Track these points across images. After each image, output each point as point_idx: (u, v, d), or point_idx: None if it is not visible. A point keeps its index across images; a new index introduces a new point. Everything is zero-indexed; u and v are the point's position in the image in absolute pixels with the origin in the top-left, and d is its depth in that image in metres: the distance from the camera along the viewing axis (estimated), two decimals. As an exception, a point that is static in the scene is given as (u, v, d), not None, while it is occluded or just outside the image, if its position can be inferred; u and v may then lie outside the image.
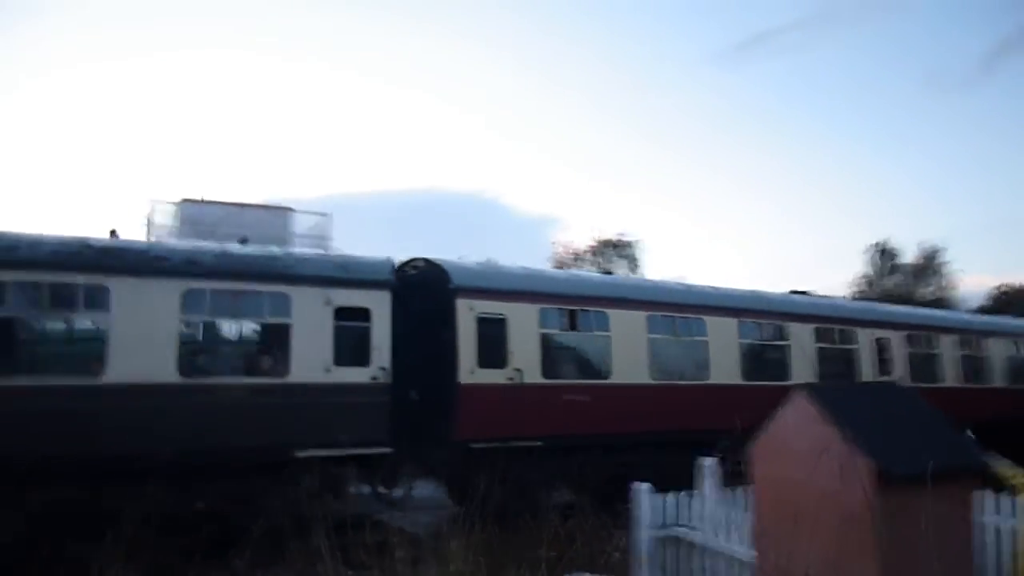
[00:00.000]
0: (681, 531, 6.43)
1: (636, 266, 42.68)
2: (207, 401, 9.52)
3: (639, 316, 12.93)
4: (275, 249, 11.30)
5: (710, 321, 13.78)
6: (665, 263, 73.22)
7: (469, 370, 11.17)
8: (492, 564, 6.32)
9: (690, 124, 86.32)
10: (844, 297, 30.51)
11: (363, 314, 10.68)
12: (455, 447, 10.92)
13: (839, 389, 7.65)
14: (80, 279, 9.15)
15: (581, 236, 47.96)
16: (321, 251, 12.14)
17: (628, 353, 12.61)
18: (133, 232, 18.20)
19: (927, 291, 44.57)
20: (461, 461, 10.76)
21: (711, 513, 6.22)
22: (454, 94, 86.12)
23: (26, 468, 8.12)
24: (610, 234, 43.57)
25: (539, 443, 11.26)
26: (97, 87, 78.89)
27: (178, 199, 18.61)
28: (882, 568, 4.11)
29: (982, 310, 38.01)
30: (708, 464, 6.63)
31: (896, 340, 16.65)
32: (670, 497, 6.62)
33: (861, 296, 41.77)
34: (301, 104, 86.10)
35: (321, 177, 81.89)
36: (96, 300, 9.23)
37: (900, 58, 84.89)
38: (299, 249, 11.69)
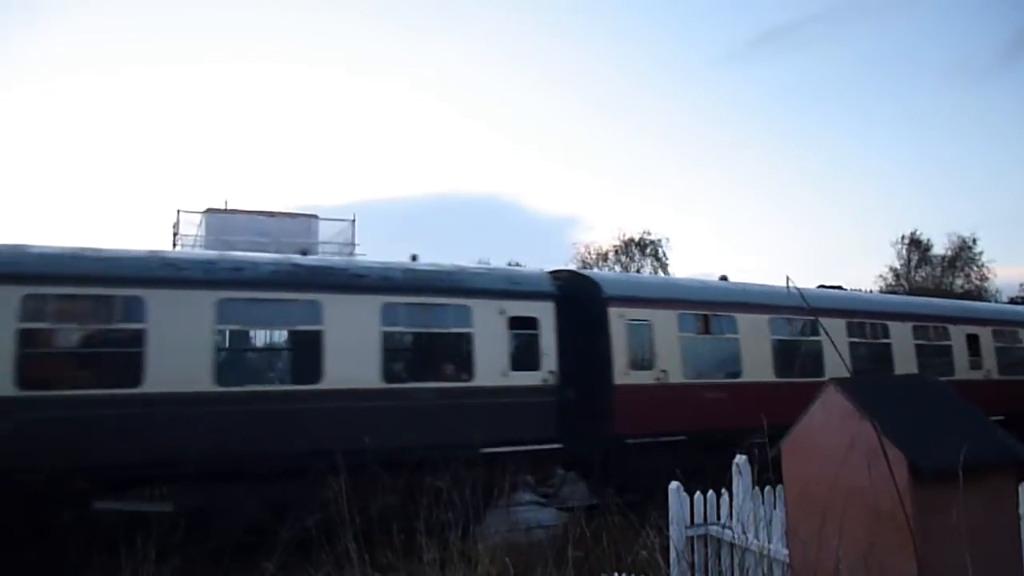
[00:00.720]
0: (713, 529, 6.36)
1: (663, 264, 42.45)
2: (405, 404, 10.50)
3: (762, 319, 14.06)
4: (452, 265, 12.41)
5: (825, 322, 14.50)
6: (691, 260, 72.69)
7: (623, 371, 12.38)
8: (519, 564, 6.29)
9: (711, 122, 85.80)
10: (879, 291, 30.05)
11: (532, 323, 11.83)
12: (612, 442, 11.95)
13: (871, 383, 7.52)
14: (296, 296, 10.38)
15: (604, 236, 47.78)
16: (489, 266, 14.19)
17: (754, 353, 13.83)
18: (160, 243, 18.45)
19: (958, 283, 43.78)
20: (617, 455, 11.79)
21: (742, 511, 6.14)
22: (472, 99, 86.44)
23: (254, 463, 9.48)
24: (634, 233, 43.39)
25: (683, 437, 12.14)
26: (123, 97, 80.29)
27: (203, 209, 18.92)
28: (919, 564, 4.00)
29: (1016, 301, 37.30)
30: (740, 462, 6.55)
31: (985, 336, 17.61)
32: (701, 496, 6.58)
33: (890, 289, 41.17)
34: (322, 112, 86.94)
35: (343, 183, 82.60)
36: (311, 314, 10.30)
37: (922, 49, 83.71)
38: (473, 265, 13.36)
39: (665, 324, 12.93)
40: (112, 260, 9.61)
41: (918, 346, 16.13)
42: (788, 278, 3.57)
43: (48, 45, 76.01)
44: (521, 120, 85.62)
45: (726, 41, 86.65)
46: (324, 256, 16.24)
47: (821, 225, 77.65)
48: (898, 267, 45.65)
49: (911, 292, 36.14)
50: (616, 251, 43.02)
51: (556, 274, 13.22)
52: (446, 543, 6.54)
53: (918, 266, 45.70)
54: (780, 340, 14.16)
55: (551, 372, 11.77)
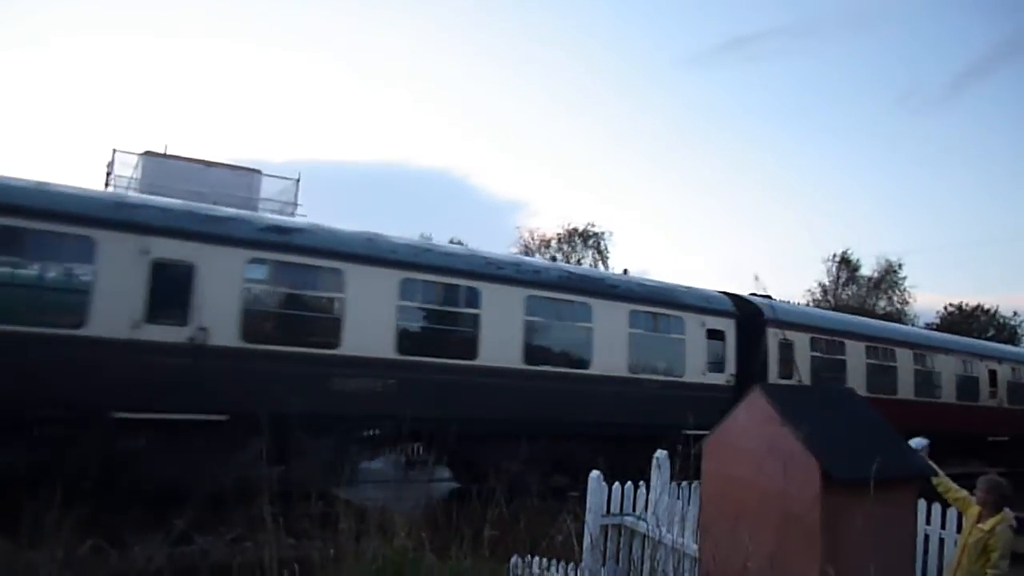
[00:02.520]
0: (628, 520, 6.49)
1: (604, 257, 42.88)
2: (637, 392, 13.34)
3: (859, 346, 17.99)
4: (671, 284, 15.67)
5: (934, 357, 19.97)
6: (629, 257, 73.68)
7: (774, 378, 15.55)
8: (436, 540, 6.29)
9: (662, 123, 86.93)
10: (806, 305, 30.96)
11: (721, 335, 15.14)
12: None
13: (794, 391, 7.78)
14: (574, 298, 13.27)
15: (550, 223, 47.94)
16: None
17: (855, 371, 17.54)
18: (93, 182, 17.65)
19: (881, 304, 45.57)
20: None
21: (658, 505, 6.28)
22: (433, 77, 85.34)
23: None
24: (579, 223, 43.69)
25: None
26: (66, 31, 76.40)
27: (141, 151, 18.16)
28: (822, 567, 4.17)
29: (932, 327, 39.09)
30: (660, 456, 6.69)
31: (1002, 371, 22.23)
32: (620, 486, 6.70)
33: (816, 304, 42.56)
34: (273, 67, 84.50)
35: (289, 140, 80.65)
36: (584, 314, 13.24)
37: (874, 74, 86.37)
38: (682, 285, 15.78)
39: (802, 344, 16.54)
40: (456, 257, 12.69)
41: (916, 371, 19.30)
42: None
43: (-14, -40, 71.64)
44: (479, 103, 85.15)
45: (692, 45, 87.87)
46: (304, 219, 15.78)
47: (757, 233, 79.78)
48: (827, 283, 47.29)
49: (837, 309, 37.46)
50: (559, 240, 43.28)
51: (730, 297, 16.47)
52: (363, 515, 6.50)
53: (846, 284, 47.42)
54: (870, 363, 18.04)
55: (732, 375, 15.10)
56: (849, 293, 46.69)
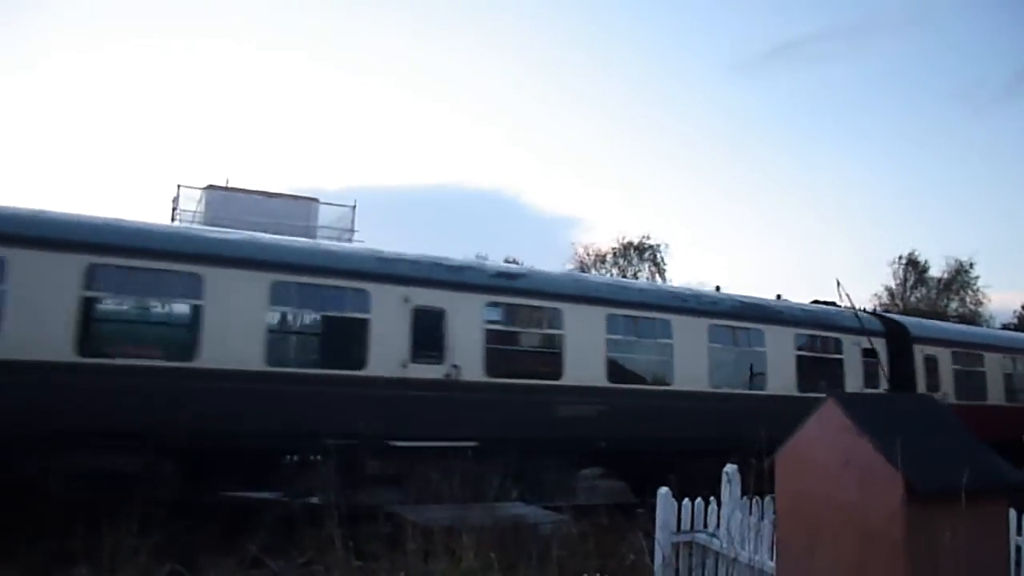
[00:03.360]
0: (701, 537, 6.33)
1: (661, 270, 42.41)
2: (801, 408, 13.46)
3: (996, 357, 18.78)
4: (830, 308, 16.51)
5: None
6: (688, 268, 72.69)
7: (921, 391, 16.20)
8: (503, 559, 6.26)
9: (716, 131, 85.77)
10: (874, 310, 30.07)
11: (874, 353, 15.85)
12: None
13: (870, 399, 7.51)
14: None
15: (604, 238, 47.72)
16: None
17: (994, 382, 18.43)
18: (159, 216, 18.36)
19: (953, 306, 43.86)
20: None
21: (730, 521, 6.12)
22: (482, 96, 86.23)
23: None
24: (633, 237, 43.33)
25: None
26: (129, 71, 79.88)
27: (204, 185, 18.80)
28: (909, 585, 3.98)
29: (1010, 328, 37.41)
30: (730, 471, 6.52)
31: None
32: (689, 503, 6.55)
33: (885, 308, 41.21)
34: (327, 97, 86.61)
35: (344, 167, 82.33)
36: (757, 339, 14.18)
37: (932, 72, 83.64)
38: (842, 307, 16.31)
39: (945, 359, 17.31)
40: (649, 292, 14.31)
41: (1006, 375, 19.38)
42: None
43: (52, 17, 75.64)
44: (529, 121, 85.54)
45: (740, 51, 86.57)
46: (325, 240, 16.30)
47: (818, 240, 77.77)
48: (893, 287, 45.77)
49: (906, 312, 36.22)
50: (615, 254, 42.99)
51: (878, 317, 17.91)
52: (431, 535, 6.51)
53: (914, 287, 45.81)
54: (1006, 373, 18.80)
55: (884, 389, 15.71)
56: (918, 296, 45.10)
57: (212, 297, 9.31)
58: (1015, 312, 47.04)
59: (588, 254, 43.20)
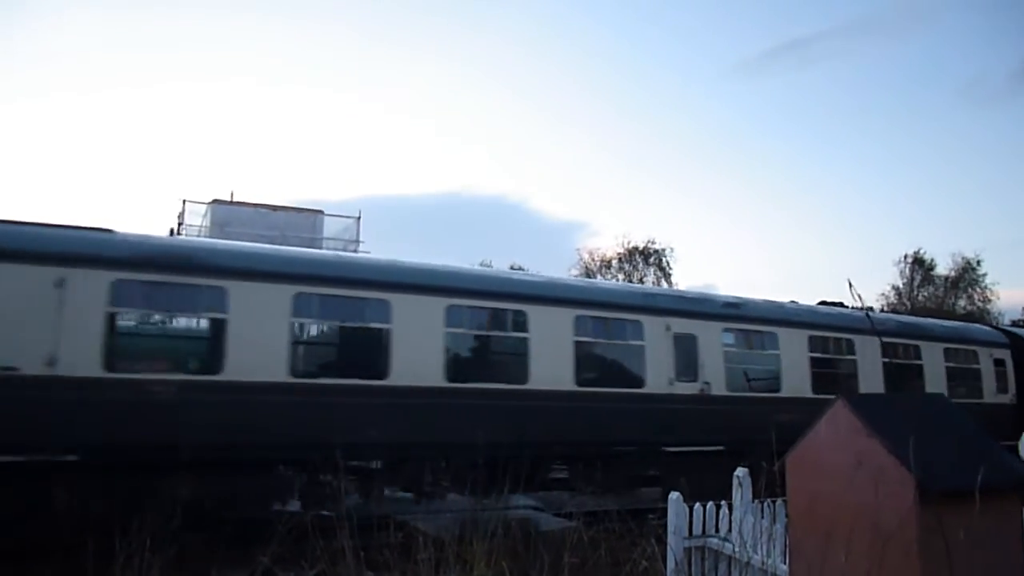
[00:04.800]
0: (712, 542, 6.31)
1: (667, 274, 42.34)
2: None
3: None
4: (967, 325, 19.06)
5: None
6: (693, 271, 72.64)
7: None
8: (516, 569, 6.24)
9: (719, 132, 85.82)
10: (881, 310, 29.98)
11: (1002, 363, 17.83)
12: None
13: (880, 400, 7.48)
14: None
15: (610, 242, 47.66)
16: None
17: None
18: (164, 230, 18.46)
19: (961, 304, 43.64)
20: None
21: (743, 525, 6.10)
22: (483, 102, 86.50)
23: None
24: (639, 241, 43.29)
25: None
26: (130, 87, 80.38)
27: (209, 199, 18.87)
28: (924, 586, 3.96)
29: (1018, 324, 37.19)
30: (741, 475, 6.50)
31: None
32: (701, 507, 6.54)
33: (892, 308, 41.05)
34: (329, 107, 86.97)
35: (348, 178, 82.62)
36: (915, 353, 16.06)
37: (933, 70, 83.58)
38: (972, 324, 18.84)
39: None
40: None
41: None
42: None
43: (52, 35, 76.20)
44: (533, 126, 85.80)
45: (741, 51, 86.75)
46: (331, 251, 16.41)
47: (824, 240, 77.66)
48: (900, 286, 45.57)
49: (913, 312, 36.06)
50: (620, 259, 42.95)
51: (1000, 330, 19.59)
52: (442, 545, 6.49)
53: (921, 285, 45.60)
54: None
55: (1013, 395, 17.66)
56: (926, 294, 44.88)
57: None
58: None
59: (593, 259, 43.20)
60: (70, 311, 8.65)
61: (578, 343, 11.82)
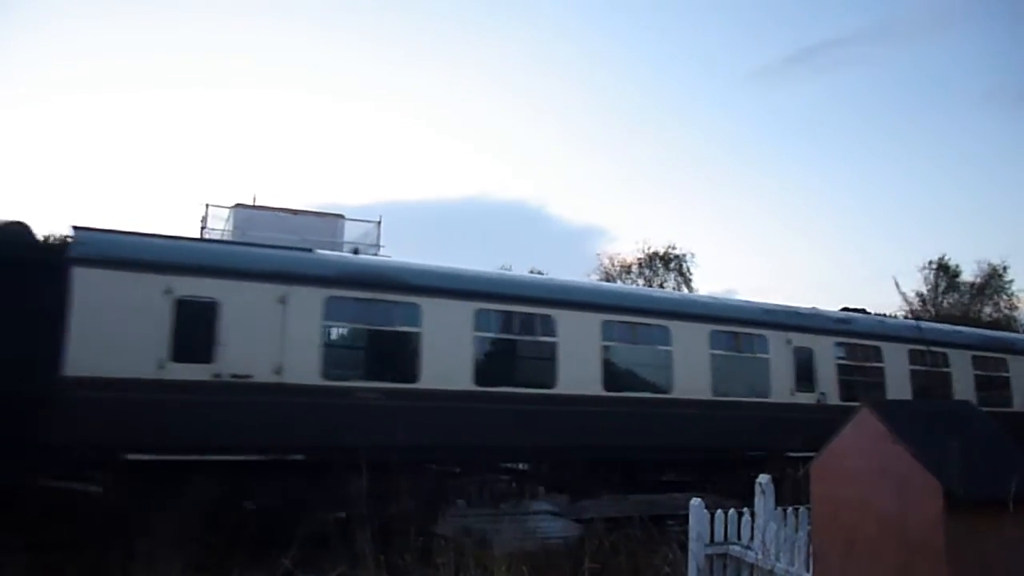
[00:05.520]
0: (735, 549, 6.25)
1: (687, 280, 42.08)
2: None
3: None
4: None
5: None
6: (714, 276, 72.15)
7: None
8: (535, 574, 6.23)
9: (740, 137, 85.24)
10: (903, 316, 29.64)
11: None
12: None
13: (906, 406, 7.38)
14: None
15: (629, 248, 47.43)
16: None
17: None
18: (189, 232, 18.63)
19: (987, 311, 42.99)
20: None
21: (765, 532, 6.03)
22: (503, 103, 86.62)
23: None
24: (659, 247, 43.08)
25: None
26: (154, 91, 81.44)
27: (232, 203, 19.04)
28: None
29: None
30: (763, 481, 6.44)
31: None
32: (723, 513, 6.48)
33: (916, 315, 40.53)
34: (352, 113, 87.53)
35: (369, 184, 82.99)
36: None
37: (956, 74, 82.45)
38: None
39: None
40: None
41: None
42: None
43: (76, 37, 77.43)
44: (554, 130, 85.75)
45: (760, 57, 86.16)
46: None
47: (846, 246, 76.88)
48: (924, 292, 44.97)
49: (938, 318, 35.57)
50: (640, 264, 42.77)
51: None
52: (462, 551, 6.50)
53: (945, 292, 44.97)
54: None
55: None
56: (950, 301, 44.25)
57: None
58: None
59: (613, 264, 43.04)
60: (292, 324, 9.64)
61: (713, 356, 12.85)
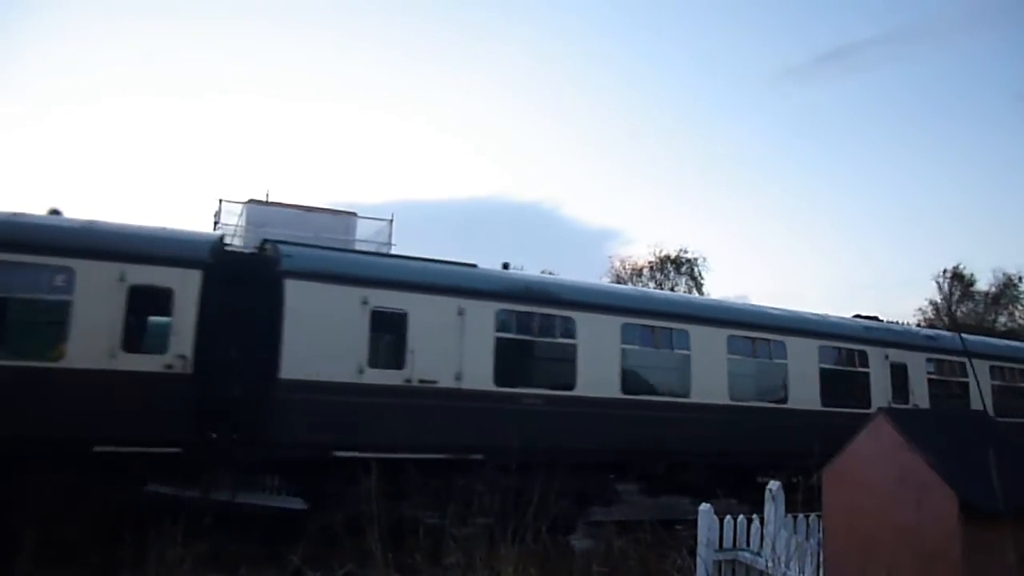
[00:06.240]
0: (745, 556, 6.21)
1: (699, 284, 41.96)
2: None
3: None
4: None
5: None
6: (726, 281, 71.90)
7: None
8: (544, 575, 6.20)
9: (759, 141, 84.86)
10: (918, 325, 29.40)
11: None
12: None
13: (921, 415, 7.33)
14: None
15: (641, 251, 47.33)
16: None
17: None
18: (200, 227, 18.69)
19: (1002, 320, 42.66)
20: None
21: (776, 539, 5.99)
22: (521, 105, 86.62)
23: None
24: (671, 250, 42.98)
25: None
26: (171, 86, 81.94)
27: (245, 199, 19.10)
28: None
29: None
30: (774, 488, 6.40)
31: None
32: (732, 520, 6.44)
33: (930, 324, 40.24)
34: (369, 110, 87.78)
35: (385, 182, 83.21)
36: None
37: (986, 76, 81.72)
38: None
39: None
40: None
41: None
42: None
43: (92, 36, 78.02)
44: (569, 133, 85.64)
45: (790, 58, 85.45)
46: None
47: (861, 252, 76.37)
48: (939, 301, 44.66)
49: (952, 328, 35.30)
50: (651, 267, 42.68)
51: None
52: (470, 550, 6.47)
53: (960, 301, 44.65)
54: None
55: None
56: (964, 310, 43.93)
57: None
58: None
59: (625, 268, 42.97)
60: (468, 335, 10.56)
61: (822, 370, 13.96)
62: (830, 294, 69.83)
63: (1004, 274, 43.69)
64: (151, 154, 76.69)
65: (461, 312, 10.55)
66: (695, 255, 42.75)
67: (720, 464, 12.43)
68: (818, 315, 15.32)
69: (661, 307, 13.28)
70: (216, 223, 19.47)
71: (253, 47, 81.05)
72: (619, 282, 39.25)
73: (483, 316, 10.77)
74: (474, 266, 11.75)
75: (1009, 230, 73.64)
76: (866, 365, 14.58)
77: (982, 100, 78.34)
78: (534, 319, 11.31)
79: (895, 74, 79.88)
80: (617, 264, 43.56)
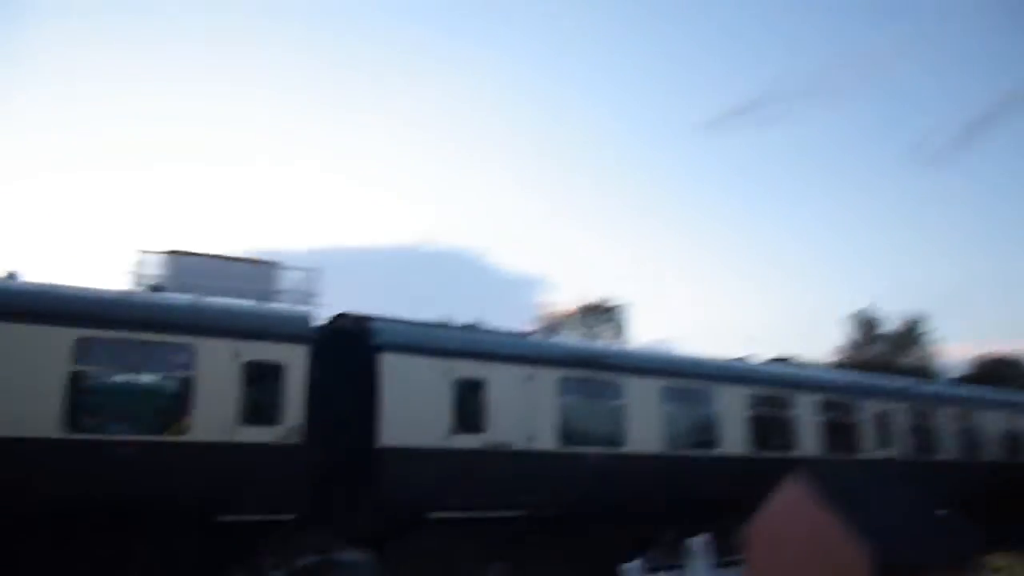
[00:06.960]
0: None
1: (621, 331, 42.74)
2: None
3: None
4: None
5: None
6: (649, 328, 73.32)
7: None
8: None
9: (676, 191, 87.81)
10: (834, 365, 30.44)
11: None
12: None
13: (833, 471, 7.61)
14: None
15: (566, 299, 48.02)
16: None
17: None
18: (118, 283, 18.02)
19: (908, 360, 44.82)
20: None
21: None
22: (440, 154, 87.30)
23: None
24: (595, 299, 43.76)
25: None
26: (87, 135, 79.25)
27: (165, 251, 18.53)
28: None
29: (965, 379, 38.22)
30: (698, 542, 6.52)
31: None
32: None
33: (840, 364, 41.88)
34: (289, 158, 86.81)
35: (307, 230, 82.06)
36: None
37: (885, 129, 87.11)
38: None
39: None
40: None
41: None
42: None
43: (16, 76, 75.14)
44: (491, 179, 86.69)
45: (704, 111, 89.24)
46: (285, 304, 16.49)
47: (780, 298, 79.31)
48: (851, 342, 46.72)
49: (861, 367, 36.87)
50: (576, 315, 43.25)
51: None
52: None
53: (870, 342, 46.79)
54: None
55: None
56: (875, 351, 46.05)
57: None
58: (970, 363, 48.10)
59: (552, 316, 43.43)
60: (535, 399, 11.59)
61: (912, 425, 16.84)
62: (746, 337, 72.08)
63: (908, 316, 46.20)
64: (63, 206, 73.62)
65: (531, 378, 11.64)
66: (617, 303, 43.68)
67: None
68: (906, 381, 18.54)
69: (691, 369, 14.33)
70: (135, 274, 18.80)
71: (172, 99, 79.46)
72: (549, 330, 39.60)
73: (548, 382, 11.83)
74: (524, 336, 13.16)
75: (920, 272, 77.94)
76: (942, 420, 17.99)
77: (875, 153, 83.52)
78: (591, 385, 12.43)
79: (800, 127, 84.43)
80: (544, 312, 44.01)
